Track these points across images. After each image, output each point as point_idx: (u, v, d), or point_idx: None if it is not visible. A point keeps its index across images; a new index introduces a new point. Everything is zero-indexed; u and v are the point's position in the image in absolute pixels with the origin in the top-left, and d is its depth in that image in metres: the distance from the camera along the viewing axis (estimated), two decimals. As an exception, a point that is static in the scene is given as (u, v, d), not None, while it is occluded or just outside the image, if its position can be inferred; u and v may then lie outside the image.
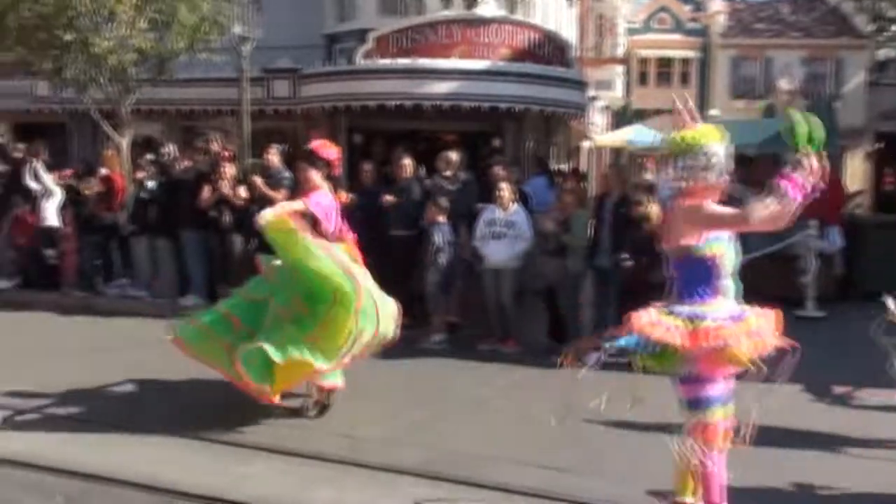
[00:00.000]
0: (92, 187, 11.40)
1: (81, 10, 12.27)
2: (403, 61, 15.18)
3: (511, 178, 9.36)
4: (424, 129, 15.48)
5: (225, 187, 10.33)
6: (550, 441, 5.77)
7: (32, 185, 11.27)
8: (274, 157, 10.85)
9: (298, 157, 6.27)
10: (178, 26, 12.86)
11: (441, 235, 8.84)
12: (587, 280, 8.65)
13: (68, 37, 12.36)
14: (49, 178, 11.37)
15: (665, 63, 33.87)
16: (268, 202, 10.38)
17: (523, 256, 8.71)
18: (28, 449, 5.36)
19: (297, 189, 6.44)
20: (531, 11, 17.85)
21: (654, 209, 8.18)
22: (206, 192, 10.30)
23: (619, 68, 29.17)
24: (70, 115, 17.25)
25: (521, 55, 15.99)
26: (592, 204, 9.11)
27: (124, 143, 13.07)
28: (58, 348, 8.10)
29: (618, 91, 28.08)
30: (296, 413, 6.25)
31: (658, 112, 31.94)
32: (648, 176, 11.26)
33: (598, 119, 23.93)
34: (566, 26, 20.66)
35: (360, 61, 15.52)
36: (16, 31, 12.82)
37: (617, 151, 25.27)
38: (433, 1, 16.66)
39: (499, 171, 9.39)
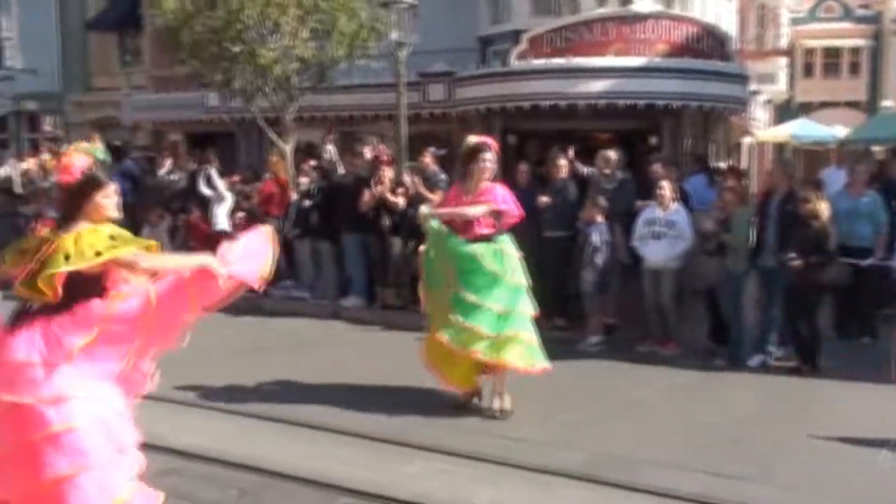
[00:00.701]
0: (258, 192, 11.93)
1: (249, 22, 12.84)
2: (558, 61, 15.07)
3: (670, 176, 9.14)
4: (579, 128, 15.31)
5: (384, 191, 10.58)
6: (713, 445, 5.59)
7: (206, 191, 11.89)
8: (430, 159, 11.05)
9: (468, 154, 6.35)
10: (338, 35, 13.25)
11: (599, 235, 8.73)
12: (750, 280, 8.33)
13: (237, 49, 12.96)
14: (221, 184, 11.97)
15: (832, 53, 32.19)
16: (424, 203, 10.65)
17: (683, 256, 8.50)
18: (204, 443, 5.62)
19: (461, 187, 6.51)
20: (689, 5, 17.36)
21: (822, 206, 7.80)
22: (365, 195, 10.58)
23: (783, 60, 27.89)
24: (237, 123, 18.11)
25: (678, 50, 15.58)
26: (755, 201, 8.77)
27: (288, 149, 13.59)
28: (230, 347, 8.49)
29: (781, 84, 26.87)
30: (454, 413, 6.33)
31: (824, 105, 30.47)
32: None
33: (759, 114, 23.00)
34: (726, 18, 19.97)
35: (514, 62, 15.52)
36: (189, 45, 13.56)
37: (780, 147, 24.25)
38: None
39: (658, 169, 9.20)
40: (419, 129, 14.62)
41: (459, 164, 6.61)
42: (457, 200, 6.35)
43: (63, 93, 23.51)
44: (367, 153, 11.33)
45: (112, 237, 3.63)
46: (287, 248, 11.68)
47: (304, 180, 11.82)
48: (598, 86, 14.76)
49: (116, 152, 13.53)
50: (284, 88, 13.60)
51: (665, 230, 8.47)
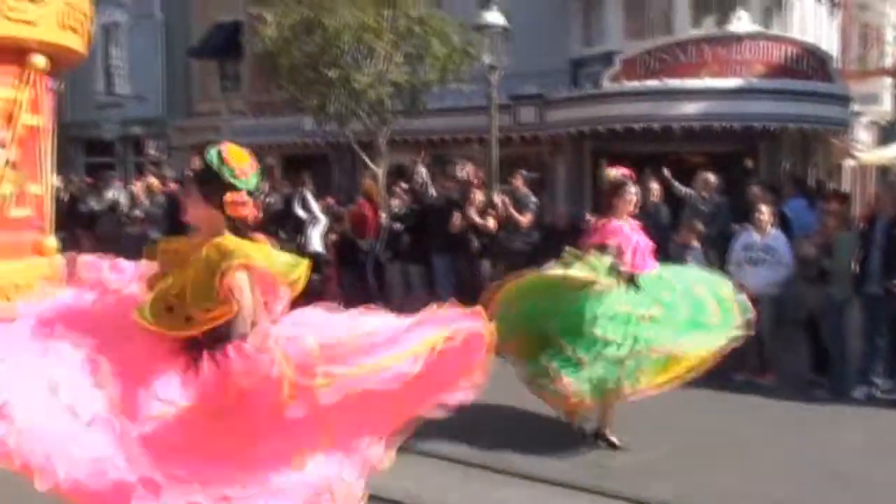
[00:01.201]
0: (350, 215, 12.09)
1: (344, 48, 13.10)
2: (651, 83, 14.90)
3: (769, 199, 8.89)
4: (672, 151, 15.07)
5: (474, 213, 10.60)
6: (814, 481, 5.37)
7: (301, 213, 12.10)
8: (520, 183, 11.04)
9: (612, 189, 6.13)
10: (431, 59, 13.40)
11: (693, 258, 8.54)
12: (853, 308, 8.02)
13: (332, 74, 13.22)
14: (316, 207, 12.18)
15: (941, 72, 30.91)
16: (515, 226, 10.64)
17: (783, 283, 8.23)
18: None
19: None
20: (788, 25, 16.94)
21: (933, 232, 7.47)
22: (456, 218, 10.61)
23: (888, 80, 26.96)
24: (332, 147, 18.44)
25: (777, 71, 15.21)
26: (859, 226, 8.45)
27: (380, 172, 13.76)
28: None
29: (885, 105, 25.94)
30: (547, 438, 6.23)
31: (933, 126, 29.25)
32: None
33: (862, 135, 22.24)
34: (827, 38, 19.41)
35: (607, 85, 15.41)
36: (287, 71, 13.91)
37: (884, 170, 23.37)
38: (682, 21, 16.24)
39: (756, 192, 8.96)
40: (510, 152, 14.62)
41: (604, 198, 6.35)
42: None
43: (166, 118, 24.37)
44: (459, 176, 11.38)
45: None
46: (378, 271, 11.80)
47: (395, 203, 11.93)
48: (693, 108, 14.53)
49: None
50: (378, 112, 13.79)
51: (763, 256, 8.24)
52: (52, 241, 5.28)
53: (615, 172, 6.26)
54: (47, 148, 5.14)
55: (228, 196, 3.13)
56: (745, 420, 7.01)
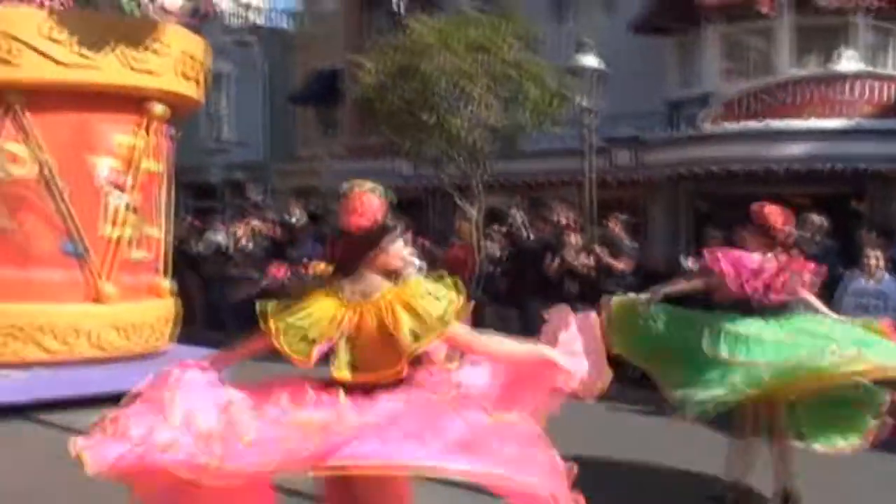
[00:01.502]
0: (445, 257, 12.14)
1: (440, 93, 13.25)
2: (753, 124, 14.60)
3: (880, 243, 8.55)
4: (775, 193, 14.64)
5: (570, 257, 10.51)
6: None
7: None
8: (617, 226, 10.91)
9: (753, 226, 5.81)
10: (527, 103, 13.44)
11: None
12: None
13: (428, 119, 13.38)
14: (410, 249, 12.27)
15: None
16: (611, 271, 10.50)
17: None
18: None
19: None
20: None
21: None
22: (551, 261, 10.54)
23: None
24: (427, 190, 18.62)
25: (885, 111, 14.71)
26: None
27: (475, 215, 13.80)
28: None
29: None
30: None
31: None
32: None
33: (980, 176, 21.21)
34: (939, 76, 18.70)
35: (706, 126, 15.16)
36: (384, 115, 14.15)
37: None
38: (783, 60, 15.90)
39: (866, 235, 8.63)
40: (606, 195, 14.49)
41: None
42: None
43: (269, 162, 25.10)
44: (554, 219, 11.33)
45: (437, 298, 3.07)
46: (475, 314, 11.77)
47: (491, 246, 11.93)
48: (796, 149, 14.16)
49: (313, 218, 14.22)
50: (473, 156, 13.86)
51: (875, 302, 7.91)
52: (167, 283, 5.47)
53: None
54: (165, 193, 5.35)
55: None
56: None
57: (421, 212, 19.32)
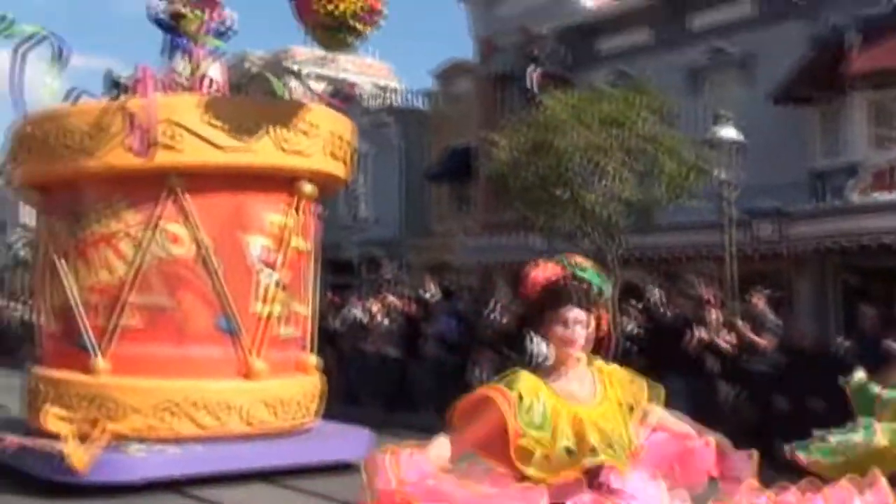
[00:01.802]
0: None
1: (574, 168, 13.28)
2: (905, 194, 13.96)
3: None
4: (932, 266, 13.91)
5: (710, 332, 10.20)
6: None
7: (533, 334, 12.14)
8: (760, 301, 10.54)
9: None
10: (663, 176, 13.29)
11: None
12: None
13: (562, 193, 13.40)
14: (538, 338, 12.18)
15: None
16: (755, 348, 10.11)
17: None
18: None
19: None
20: None
21: None
22: (691, 338, 10.26)
23: None
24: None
25: None
26: None
27: (610, 290, 13.62)
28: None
29: None
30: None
31: None
32: None
33: None
34: None
35: (853, 197, 14.58)
36: (518, 191, 14.26)
37: None
38: (936, 127, 15.22)
39: None
40: (747, 269, 14.04)
41: None
42: None
43: (404, 238, 25.62)
44: (693, 294, 11.05)
45: (631, 381, 2.99)
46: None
47: (628, 322, 11.72)
48: (953, 220, 13.43)
49: (447, 293, 14.36)
50: (608, 230, 13.76)
51: None
52: (314, 360, 5.60)
53: None
54: (312, 270, 5.53)
55: (604, 313, 2.92)
56: None
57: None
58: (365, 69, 33.89)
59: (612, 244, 13.91)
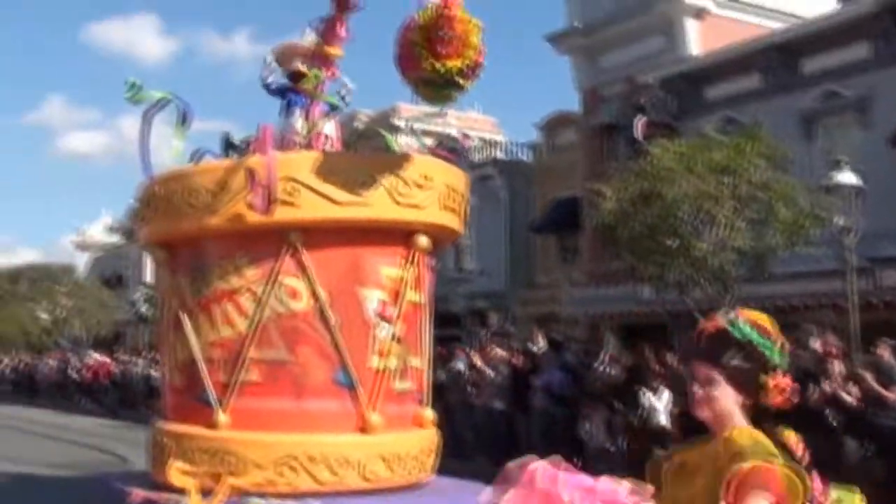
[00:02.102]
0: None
1: (683, 217, 13.09)
2: None
3: None
4: None
5: (833, 385, 9.79)
6: None
7: (645, 389, 11.84)
8: (886, 352, 10.09)
9: None
10: (777, 223, 12.96)
11: None
12: None
13: (671, 243, 13.21)
14: (657, 380, 11.89)
15: None
16: (880, 401, 9.64)
17: None
18: None
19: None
20: None
21: None
22: (812, 391, 9.86)
23: None
24: (671, 315, 18.15)
25: None
26: None
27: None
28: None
29: None
30: None
31: None
32: None
33: None
34: None
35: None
36: (625, 241, 14.14)
37: None
38: None
39: None
40: (871, 319, 13.47)
41: None
42: None
43: (509, 290, 25.62)
44: (814, 345, 10.65)
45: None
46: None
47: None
48: None
49: (554, 345, 14.23)
50: (720, 279, 13.47)
51: None
52: (429, 413, 5.59)
53: None
54: (426, 323, 5.56)
55: (771, 380, 2.48)
56: None
57: (664, 337, 18.81)
58: (470, 123, 34.39)
59: (724, 294, 13.59)
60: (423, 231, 5.38)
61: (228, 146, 6.38)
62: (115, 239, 50.13)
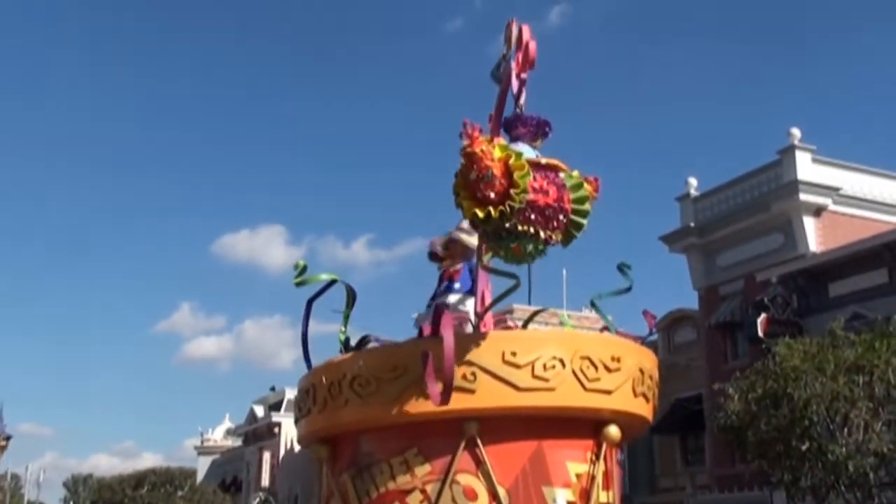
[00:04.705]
0: None
1: (815, 419, 12.54)
2: None
3: None
4: None
5: None
6: None
7: None
8: None
9: None
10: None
11: None
12: None
13: (804, 446, 12.60)
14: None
15: None
16: None
17: None
18: None
19: None
20: None
21: None
22: None
23: None
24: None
25: None
26: None
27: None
28: None
29: None
30: None
31: None
32: None
33: None
34: None
35: None
36: (754, 444, 13.55)
37: None
38: None
39: None
40: None
41: None
42: None
43: (629, 494, 24.54)
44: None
45: None
46: None
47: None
48: None
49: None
50: (860, 485, 12.68)
51: None
52: None
53: None
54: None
55: None
56: None
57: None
58: (582, 321, 34.23)
59: (866, 501, 12.75)
60: (612, 420, 4.78)
61: (347, 350, 5.86)
62: (233, 443, 50.97)
